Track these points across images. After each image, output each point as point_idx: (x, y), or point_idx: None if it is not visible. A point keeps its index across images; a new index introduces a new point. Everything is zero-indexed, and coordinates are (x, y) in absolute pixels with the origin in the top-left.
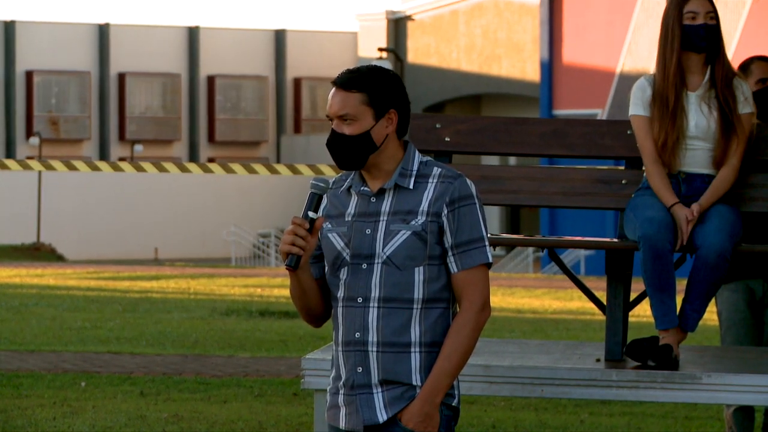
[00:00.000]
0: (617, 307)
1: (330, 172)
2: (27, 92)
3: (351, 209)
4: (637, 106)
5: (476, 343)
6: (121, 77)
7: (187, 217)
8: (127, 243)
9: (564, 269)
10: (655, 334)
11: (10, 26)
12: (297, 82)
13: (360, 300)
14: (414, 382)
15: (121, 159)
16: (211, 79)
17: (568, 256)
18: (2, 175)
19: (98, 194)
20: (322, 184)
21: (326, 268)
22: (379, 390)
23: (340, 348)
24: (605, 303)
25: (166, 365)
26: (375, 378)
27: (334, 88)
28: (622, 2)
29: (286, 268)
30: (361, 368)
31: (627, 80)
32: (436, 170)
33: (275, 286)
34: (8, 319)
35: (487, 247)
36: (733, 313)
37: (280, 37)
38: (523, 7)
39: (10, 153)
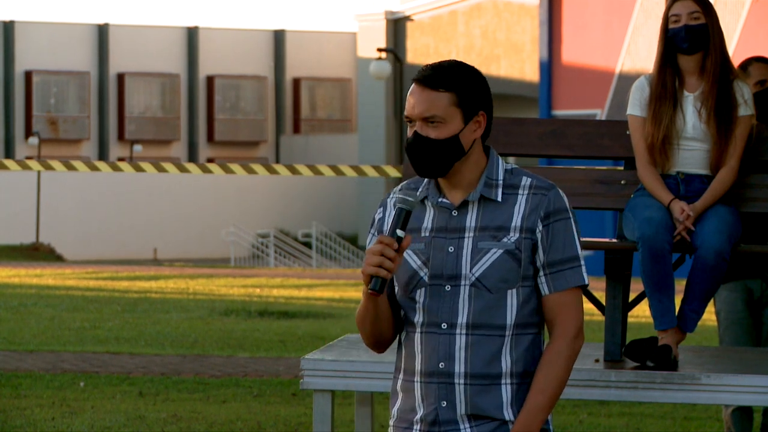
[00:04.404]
0: (616, 307)
1: (329, 173)
2: (26, 92)
3: (427, 223)
4: (634, 106)
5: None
6: (120, 77)
7: (186, 218)
8: (126, 243)
9: None
10: (654, 335)
11: (9, 26)
12: (296, 83)
13: (444, 326)
14: (506, 417)
15: (120, 159)
16: (210, 80)
17: None
18: (1, 175)
19: (97, 194)
20: (410, 199)
21: (396, 289)
22: (467, 426)
23: (418, 378)
24: (604, 303)
25: (165, 365)
26: (461, 412)
27: (414, 86)
28: (621, 3)
29: (370, 293)
30: (445, 402)
31: (626, 81)
32: (526, 180)
33: (274, 287)
34: (7, 319)
35: (583, 267)
36: (731, 313)
37: (279, 37)
38: (522, 7)
39: (9, 153)
